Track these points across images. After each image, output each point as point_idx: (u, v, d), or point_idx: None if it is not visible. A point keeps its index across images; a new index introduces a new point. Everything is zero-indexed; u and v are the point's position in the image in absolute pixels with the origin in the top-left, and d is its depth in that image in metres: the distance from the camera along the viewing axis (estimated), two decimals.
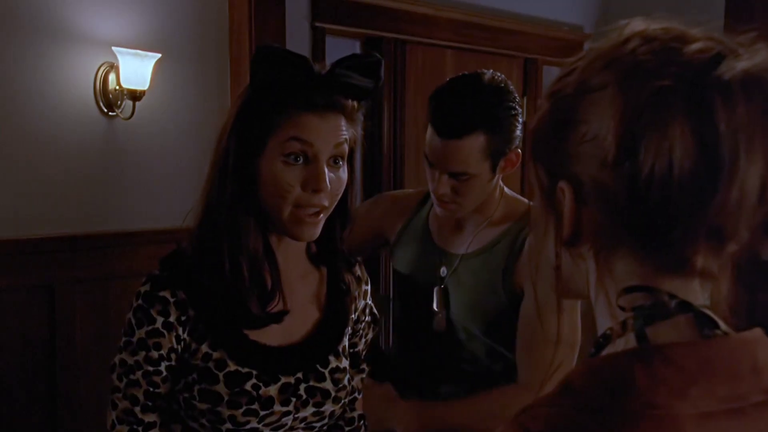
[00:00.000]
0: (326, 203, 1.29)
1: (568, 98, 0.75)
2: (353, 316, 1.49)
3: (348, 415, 1.53)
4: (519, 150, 1.79)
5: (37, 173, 2.49)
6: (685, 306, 0.72)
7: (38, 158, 2.49)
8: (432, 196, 1.81)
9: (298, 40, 3.11)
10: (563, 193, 0.75)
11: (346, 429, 1.53)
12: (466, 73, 1.81)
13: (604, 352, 0.74)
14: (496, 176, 1.80)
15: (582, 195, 0.74)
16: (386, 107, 3.41)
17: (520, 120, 1.79)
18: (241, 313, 1.30)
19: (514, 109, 1.76)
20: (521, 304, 1.75)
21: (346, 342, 1.45)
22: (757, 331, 0.72)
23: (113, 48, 2.55)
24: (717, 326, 0.72)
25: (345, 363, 1.43)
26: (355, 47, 3.42)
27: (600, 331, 0.76)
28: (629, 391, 0.67)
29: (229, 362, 1.30)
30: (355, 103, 1.33)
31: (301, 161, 1.27)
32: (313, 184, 1.26)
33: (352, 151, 1.36)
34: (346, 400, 1.44)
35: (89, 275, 2.54)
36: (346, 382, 1.42)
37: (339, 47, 3.30)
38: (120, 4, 2.64)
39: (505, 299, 1.77)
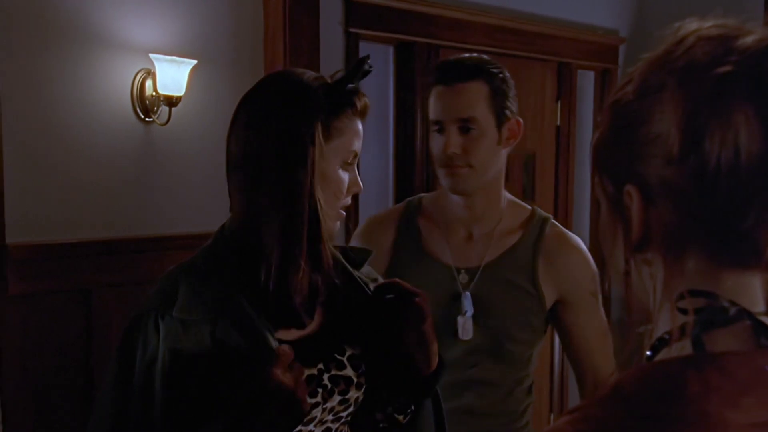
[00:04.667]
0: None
1: (628, 104, 0.76)
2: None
3: None
4: (519, 119, 1.86)
5: (75, 178, 2.53)
6: (745, 314, 0.71)
7: (76, 163, 2.53)
8: (440, 171, 1.85)
9: (331, 45, 3.12)
10: (630, 197, 0.75)
11: None
12: None
13: (659, 357, 0.73)
14: (502, 147, 1.86)
15: (649, 196, 0.74)
16: (418, 111, 3.41)
17: (514, 94, 1.86)
18: (274, 310, 1.32)
19: (509, 82, 1.85)
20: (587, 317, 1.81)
21: (353, 330, 1.45)
22: None
23: (150, 55, 2.59)
24: None
25: (359, 350, 1.44)
26: (388, 52, 3.42)
27: (657, 335, 0.75)
28: (680, 398, 0.66)
29: None
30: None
31: (346, 164, 1.38)
32: (355, 186, 1.40)
33: None
34: (367, 385, 1.44)
35: (125, 279, 2.58)
36: (364, 367, 1.43)
37: (371, 52, 3.31)
38: (157, 11, 2.68)
39: (538, 301, 1.81)
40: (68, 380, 2.51)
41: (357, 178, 1.40)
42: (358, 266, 1.51)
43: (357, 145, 1.38)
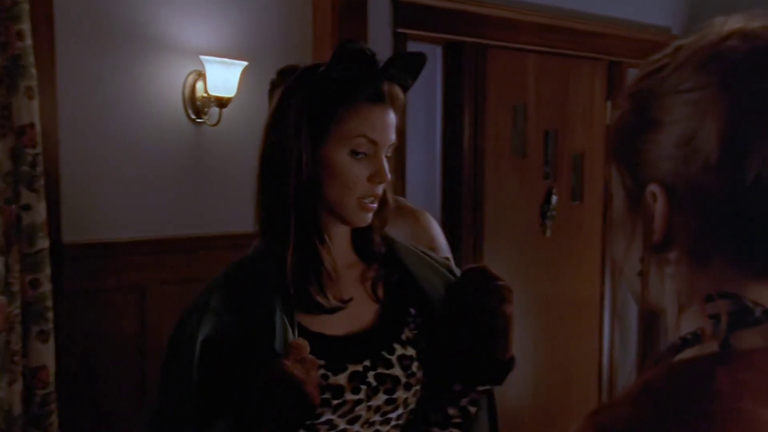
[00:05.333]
0: (381, 192, 1.36)
1: (659, 98, 0.73)
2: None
3: None
4: None
5: (128, 178, 2.58)
6: None
7: (130, 163, 2.58)
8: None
9: (379, 46, 3.13)
10: (654, 197, 0.73)
11: None
12: None
13: (684, 356, 0.72)
14: None
15: (677, 199, 0.71)
16: (467, 111, 3.40)
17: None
18: (306, 301, 1.34)
19: None
20: None
21: (408, 332, 1.45)
22: None
23: (201, 57, 2.63)
24: None
25: (412, 351, 1.42)
26: (436, 52, 3.42)
27: (679, 335, 0.73)
28: (710, 394, 0.65)
29: None
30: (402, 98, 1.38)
31: (364, 155, 1.33)
32: (378, 177, 1.33)
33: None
34: (418, 387, 1.43)
35: (177, 277, 2.62)
36: (415, 369, 1.41)
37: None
38: (208, 14, 2.72)
39: None
40: (123, 375, 2.57)
41: (381, 168, 1.33)
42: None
43: (370, 132, 1.32)
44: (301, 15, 2.96)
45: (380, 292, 1.44)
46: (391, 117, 1.35)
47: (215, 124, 2.71)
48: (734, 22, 0.72)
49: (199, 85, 2.69)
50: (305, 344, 1.22)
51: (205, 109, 2.71)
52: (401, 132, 1.41)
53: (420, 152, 3.34)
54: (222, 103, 2.66)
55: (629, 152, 0.76)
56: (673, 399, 0.67)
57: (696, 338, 0.71)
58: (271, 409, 1.20)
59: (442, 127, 3.44)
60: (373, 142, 1.32)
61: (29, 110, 2.29)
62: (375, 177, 1.33)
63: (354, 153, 1.32)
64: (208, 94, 2.66)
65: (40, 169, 2.30)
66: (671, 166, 0.71)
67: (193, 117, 2.70)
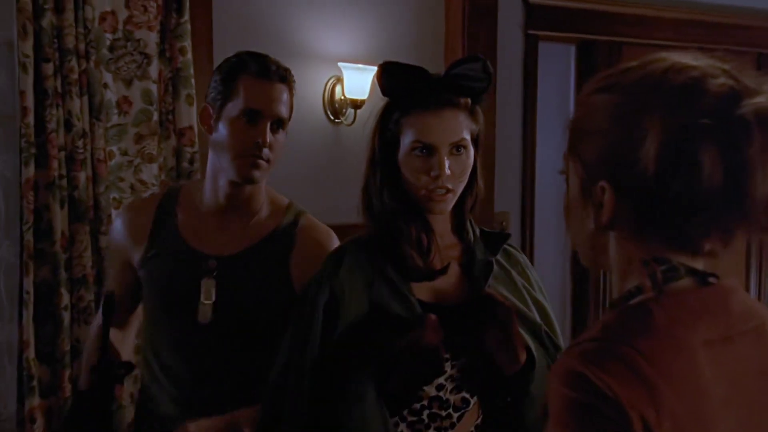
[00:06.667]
0: (449, 185, 1.55)
1: (616, 107, 0.93)
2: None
3: None
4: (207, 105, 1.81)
5: (276, 173, 2.90)
6: (693, 271, 0.93)
7: (278, 161, 2.91)
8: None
9: (509, 49, 3.30)
10: (603, 191, 0.94)
11: None
12: None
13: (631, 303, 0.94)
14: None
15: (621, 193, 0.93)
16: None
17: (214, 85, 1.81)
18: (408, 266, 1.57)
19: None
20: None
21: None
22: (735, 280, 0.96)
23: (339, 63, 2.93)
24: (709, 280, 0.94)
25: None
26: (568, 52, 3.53)
27: (623, 290, 0.96)
28: (650, 326, 0.89)
29: None
30: (469, 100, 1.57)
31: (426, 153, 1.54)
32: (434, 171, 1.53)
33: (476, 138, 1.60)
34: None
35: None
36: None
37: (551, 52, 3.44)
38: (346, 25, 3.02)
39: (289, 289, 1.79)
40: None
41: (439, 164, 1.52)
42: (495, 251, 1.70)
43: (427, 137, 1.52)
44: (433, 23, 3.19)
45: (471, 272, 1.65)
46: (450, 118, 1.55)
47: (350, 124, 3.01)
48: (678, 57, 0.93)
49: (337, 88, 3.00)
50: (436, 317, 1.48)
51: (342, 110, 3.01)
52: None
53: (551, 149, 3.47)
54: (356, 104, 2.96)
55: (586, 152, 0.97)
56: (625, 331, 0.90)
57: (638, 291, 0.94)
58: (411, 369, 1.48)
59: None
60: (427, 143, 1.54)
61: (189, 115, 2.69)
62: (432, 171, 1.54)
63: (414, 152, 1.55)
64: (345, 97, 2.96)
65: (197, 165, 2.69)
66: (618, 169, 0.93)
67: (332, 118, 3.02)
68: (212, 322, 1.74)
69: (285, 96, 1.77)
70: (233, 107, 1.72)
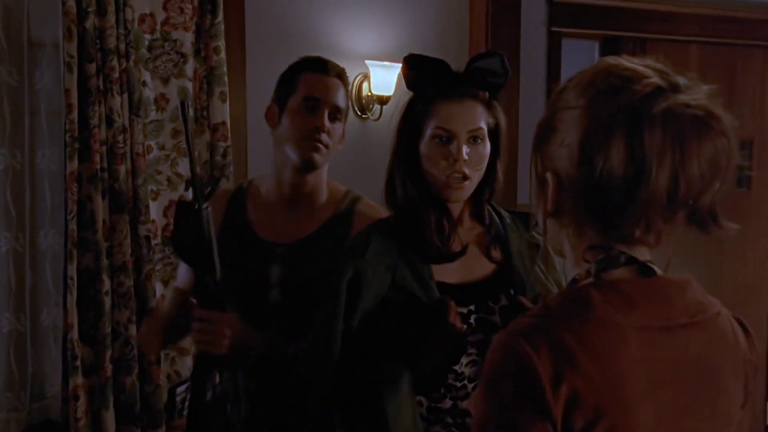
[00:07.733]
0: (467, 171, 1.63)
1: (558, 111, 1.03)
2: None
3: None
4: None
5: None
6: (632, 259, 1.00)
7: None
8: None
9: (533, 45, 3.38)
10: (548, 181, 1.04)
11: None
12: None
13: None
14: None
15: (561, 184, 1.02)
16: None
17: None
18: (429, 249, 1.67)
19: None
20: None
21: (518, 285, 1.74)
22: (688, 276, 1.02)
23: (366, 61, 3.05)
24: (655, 272, 1.01)
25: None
26: (592, 48, 3.60)
27: (570, 277, 1.05)
28: (587, 308, 0.97)
29: None
30: (487, 94, 1.67)
31: (445, 140, 1.64)
32: (452, 156, 1.62)
33: (495, 131, 1.69)
34: None
35: None
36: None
37: (575, 49, 3.51)
38: (373, 23, 3.14)
39: None
40: None
41: (457, 149, 1.61)
42: (526, 227, 1.79)
43: (447, 123, 1.61)
44: (457, 19, 3.29)
45: (494, 254, 1.75)
46: (469, 109, 1.65)
47: (377, 119, 3.13)
48: (623, 62, 1.01)
49: (365, 85, 3.12)
50: (454, 303, 1.60)
51: (369, 106, 3.13)
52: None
53: None
54: (383, 100, 3.07)
55: (539, 148, 1.07)
56: (562, 312, 0.99)
57: (581, 277, 1.03)
58: (437, 352, 1.60)
59: None
60: (448, 129, 1.63)
61: (222, 111, 2.83)
62: (450, 157, 1.62)
63: (434, 139, 1.64)
64: (372, 93, 3.08)
65: (229, 158, 2.84)
66: (557, 161, 1.02)
67: (359, 113, 3.14)
68: (280, 302, 1.90)
69: (341, 90, 1.92)
70: (294, 100, 1.89)
